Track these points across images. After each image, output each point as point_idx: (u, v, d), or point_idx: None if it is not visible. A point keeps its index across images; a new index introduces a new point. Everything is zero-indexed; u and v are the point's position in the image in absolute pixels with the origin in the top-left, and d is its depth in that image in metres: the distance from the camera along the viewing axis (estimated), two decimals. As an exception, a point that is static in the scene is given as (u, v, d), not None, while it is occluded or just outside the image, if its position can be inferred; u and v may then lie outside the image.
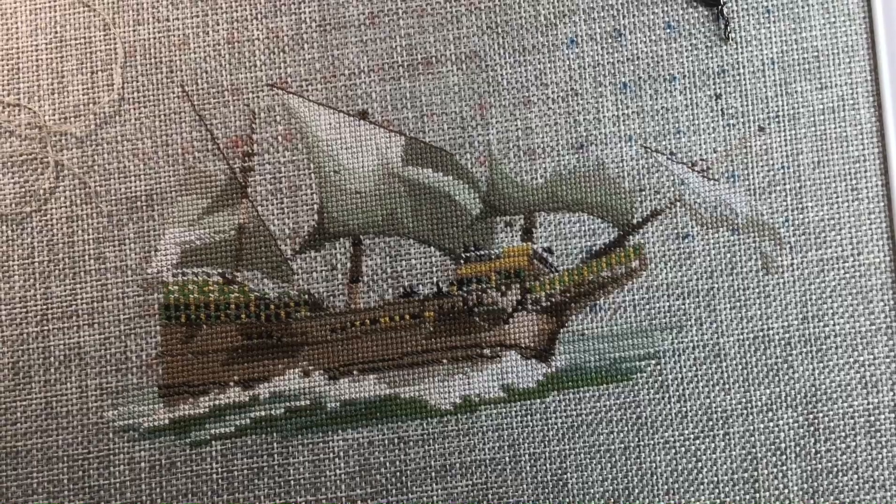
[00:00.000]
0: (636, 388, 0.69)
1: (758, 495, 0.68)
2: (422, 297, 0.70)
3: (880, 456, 0.69)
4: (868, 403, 0.69)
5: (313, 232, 0.71)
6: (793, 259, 0.70)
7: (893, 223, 0.70)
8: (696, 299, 0.69)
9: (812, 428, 0.69)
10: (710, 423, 0.69)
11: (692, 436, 0.69)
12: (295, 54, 0.72)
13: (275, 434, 0.69)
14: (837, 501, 0.68)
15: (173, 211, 0.71)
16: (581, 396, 0.69)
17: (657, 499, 0.68)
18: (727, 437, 0.69)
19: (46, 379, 0.70)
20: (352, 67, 0.72)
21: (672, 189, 0.70)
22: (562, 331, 0.70)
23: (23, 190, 0.71)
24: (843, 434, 0.69)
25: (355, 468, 0.69)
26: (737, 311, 0.69)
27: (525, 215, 0.71)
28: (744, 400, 0.69)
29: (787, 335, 0.69)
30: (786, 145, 0.70)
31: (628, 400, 0.69)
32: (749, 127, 0.71)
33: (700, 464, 0.69)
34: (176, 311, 0.70)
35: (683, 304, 0.69)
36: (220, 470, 0.69)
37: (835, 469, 0.68)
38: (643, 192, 0.70)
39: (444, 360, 0.69)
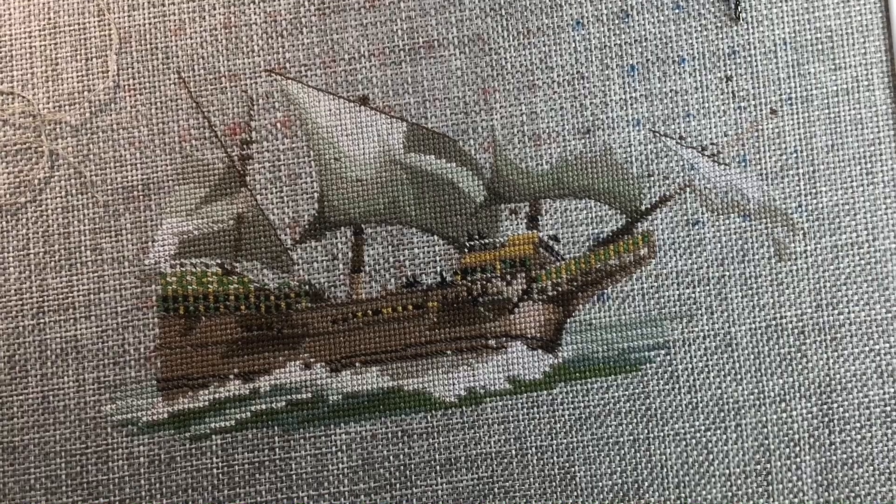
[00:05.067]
0: (645, 378, 0.68)
1: (771, 488, 0.67)
2: (425, 286, 0.69)
3: (897, 447, 0.68)
4: (884, 393, 0.68)
5: (313, 221, 0.70)
6: (806, 245, 0.69)
7: (910, 208, 0.69)
8: (707, 287, 0.69)
9: (826, 419, 0.68)
10: (722, 414, 0.68)
11: (703, 427, 0.68)
12: (293, 39, 0.71)
13: (276, 428, 0.69)
14: (852, 494, 0.68)
15: (170, 200, 0.70)
16: (589, 388, 0.68)
17: (667, 492, 0.68)
18: (739, 428, 0.68)
19: (43, 373, 0.69)
20: (352, 52, 0.71)
21: (681, 174, 0.70)
22: (569, 321, 0.69)
23: (17, 180, 0.71)
24: (858, 425, 0.68)
25: (358, 462, 0.68)
26: (749, 299, 0.68)
27: (530, 202, 0.70)
28: (756, 390, 0.68)
29: (800, 324, 0.68)
30: (799, 128, 0.70)
31: (637, 391, 0.68)
32: (761, 110, 0.70)
33: (711, 456, 0.68)
34: (174, 303, 0.70)
35: (694, 292, 0.69)
36: (220, 464, 0.68)
37: (850, 461, 0.68)
38: (652, 178, 0.70)
39: (449, 352, 0.69)
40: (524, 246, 0.70)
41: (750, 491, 0.68)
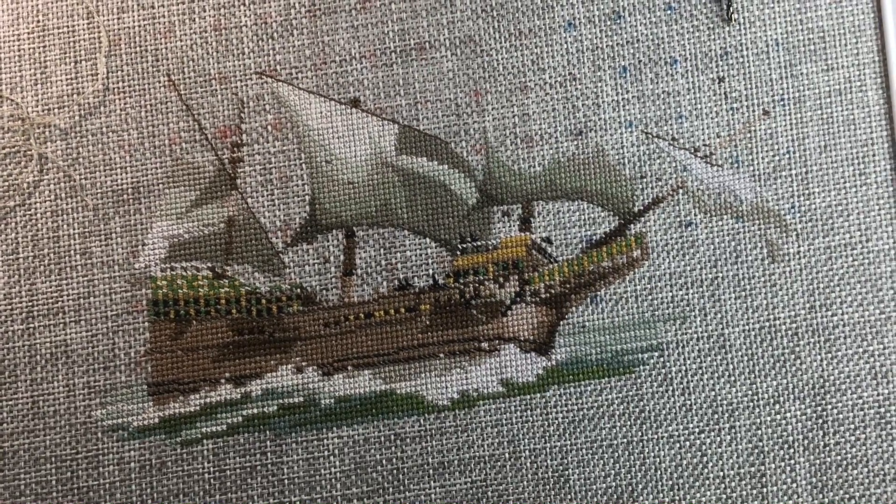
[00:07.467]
0: (639, 381, 0.68)
1: (765, 490, 0.67)
2: (417, 289, 0.69)
3: (891, 448, 0.68)
4: (878, 395, 0.68)
5: (305, 224, 0.70)
6: (799, 246, 0.69)
7: (903, 208, 0.69)
8: (700, 289, 0.68)
9: (820, 420, 0.68)
10: (716, 416, 0.68)
11: (697, 429, 0.68)
12: (284, 41, 0.71)
13: (268, 432, 0.68)
14: (847, 495, 0.67)
15: (161, 204, 0.70)
16: (582, 390, 0.68)
17: (661, 494, 0.67)
18: (733, 430, 0.68)
19: (33, 378, 0.69)
20: (343, 54, 0.71)
21: (674, 176, 0.69)
22: (562, 323, 0.68)
23: (6, 184, 0.70)
24: (852, 426, 0.68)
25: (350, 466, 0.68)
26: (742, 300, 0.68)
27: (523, 204, 0.69)
28: (750, 392, 0.68)
29: (793, 325, 0.68)
30: (791, 129, 0.69)
31: (631, 393, 0.68)
32: (753, 111, 0.69)
33: (705, 458, 0.68)
34: (164, 307, 0.69)
35: (687, 294, 0.68)
36: (211, 469, 0.68)
37: (844, 462, 0.67)
38: (644, 180, 0.69)
39: (441, 355, 0.68)
40: (517, 248, 0.69)
41: (744, 493, 0.67)
